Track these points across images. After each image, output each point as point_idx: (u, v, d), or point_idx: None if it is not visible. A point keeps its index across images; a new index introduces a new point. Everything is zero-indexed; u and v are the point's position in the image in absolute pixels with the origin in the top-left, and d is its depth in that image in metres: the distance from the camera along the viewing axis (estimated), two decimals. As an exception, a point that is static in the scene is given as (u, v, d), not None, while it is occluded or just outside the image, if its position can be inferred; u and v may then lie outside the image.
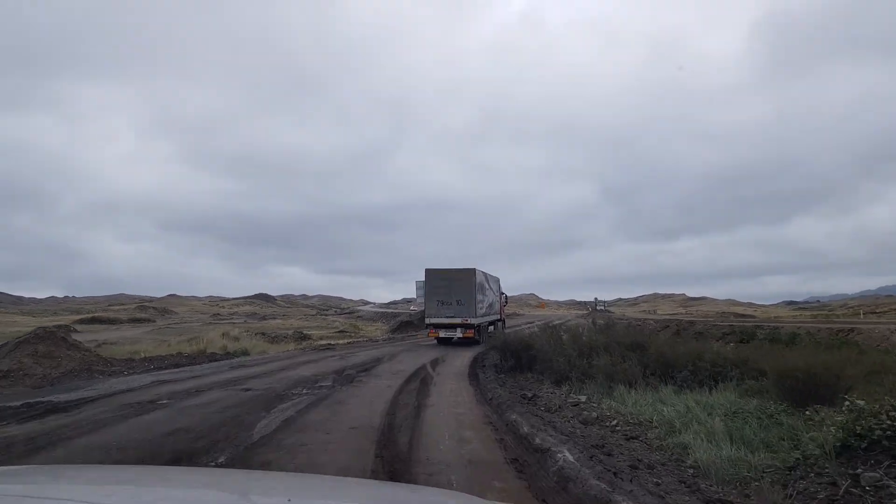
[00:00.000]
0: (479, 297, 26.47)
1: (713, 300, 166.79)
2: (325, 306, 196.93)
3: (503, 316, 35.99)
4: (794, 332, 26.66)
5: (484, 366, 16.67)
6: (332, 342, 35.33)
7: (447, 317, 25.21)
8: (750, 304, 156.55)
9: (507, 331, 34.89)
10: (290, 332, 46.16)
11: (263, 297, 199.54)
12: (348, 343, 31.05)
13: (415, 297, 62.11)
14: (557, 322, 45.73)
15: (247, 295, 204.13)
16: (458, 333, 25.05)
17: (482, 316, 27.02)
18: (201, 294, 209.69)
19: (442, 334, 25.39)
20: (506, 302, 37.11)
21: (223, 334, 38.55)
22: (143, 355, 22.55)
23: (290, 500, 1.83)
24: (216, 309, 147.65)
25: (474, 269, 26.08)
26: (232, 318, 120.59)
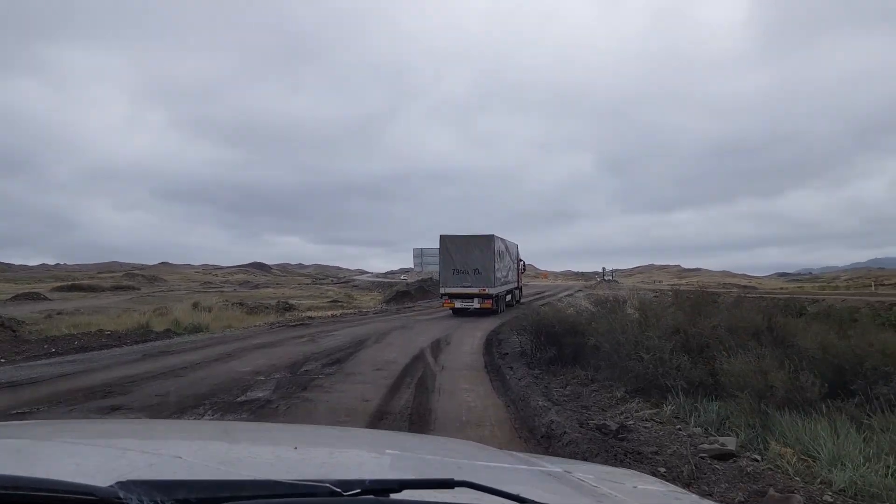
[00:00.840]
0: (498, 265, 24.20)
1: (708, 271, 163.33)
2: (322, 275, 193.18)
3: (521, 284, 33.16)
4: (852, 307, 22.29)
5: (505, 353, 12.19)
6: (316, 314, 30.78)
7: (463, 286, 23.10)
8: (744, 276, 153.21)
9: (522, 301, 31.70)
10: (274, 303, 41.65)
11: (258, 266, 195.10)
12: (332, 316, 26.39)
13: (412, 266, 58.00)
14: (565, 294, 41.43)
15: (242, 263, 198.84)
16: (475, 304, 23.06)
17: (501, 285, 24.73)
18: (196, 262, 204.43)
19: (458, 304, 23.41)
20: (524, 269, 33.65)
21: (195, 304, 34.07)
22: (95, 328, 19.02)
23: (296, 448, 1.83)
24: (209, 277, 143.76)
25: (493, 236, 23.82)
26: (222, 287, 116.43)
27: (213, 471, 1.50)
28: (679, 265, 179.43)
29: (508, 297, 27.51)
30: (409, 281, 62.37)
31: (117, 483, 1.00)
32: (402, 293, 53.59)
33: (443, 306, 24.32)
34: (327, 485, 1.08)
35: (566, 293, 41.98)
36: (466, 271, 23.20)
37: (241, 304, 36.95)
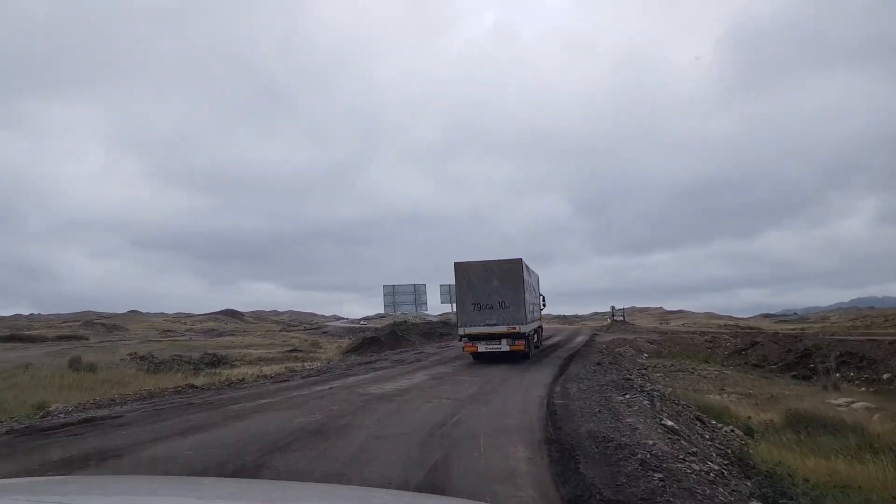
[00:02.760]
0: (528, 296, 19.61)
1: (691, 313, 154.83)
2: (297, 322, 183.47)
3: (542, 322, 26.80)
4: None
5: None
6: (251, 372, 21.07)
7: (488, 324, 18.51)
8: (729, 317, 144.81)
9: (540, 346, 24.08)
10: (199, 356, 31.23)
11: (230, 314, 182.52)
12: (269, 377, 16.45)
13: (382, 311, 48.32)
14: (584, 338, 31.79)
15: (214, 311, 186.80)
16: (504, 346, 18.48)
17: (531, 322, 20.10)
18: (171, 311, 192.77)
19: (482, 348, 18.72)
20: (544, 305, 26.29)
21: (72, 361, 23.96)
22: None
23: None
24: (175, 325, 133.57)
25: (521, 260, 19.29)
26: (184, 335, 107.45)
27: None
28: (661, 307, 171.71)
29: (535, 338, 22.19)
30: (377, 326, 52.38)
31: None
32: (371, 339, 43.19)
33: (464, 350, 19.28)
34: None
35: (582, 336, 32.35)
36: (491, 305, 18.40)
37: (142, 358, 26.35)
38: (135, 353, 28.91)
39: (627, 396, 10.15)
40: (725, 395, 15.66)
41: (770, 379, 19.66)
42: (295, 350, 55.39)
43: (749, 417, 11.31)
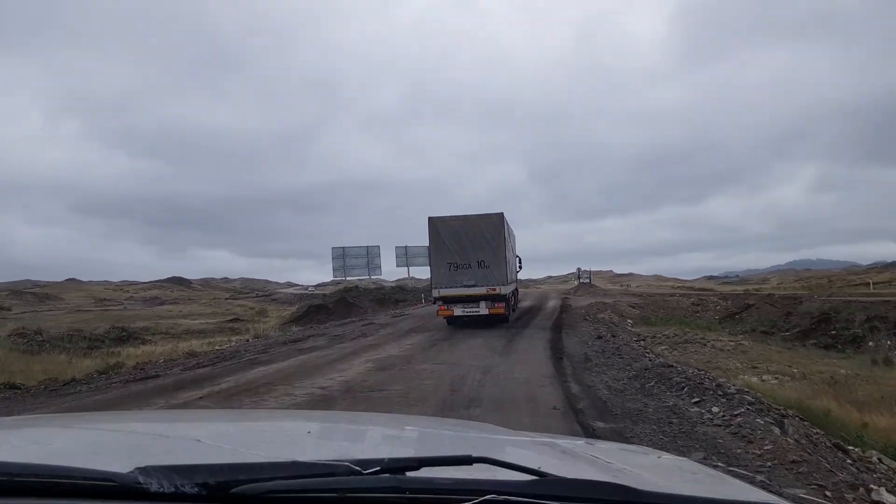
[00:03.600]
0: (509, 254, 17.42)
1: (640, 276, 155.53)
2: (248, 289, 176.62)
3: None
4: None
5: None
6: (177, 349, 16.74)
7: (465, 285, 16.17)
8: (676, 279, 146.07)
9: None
10: (104, 330, 25.67)
11: (177, 281, 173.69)
12: (190, 356, 11.28)
13: (332, 277, 43.11)
14: (556, 302, 27.75)
15: (160, 278, 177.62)
16: (483, 309, 16.29)
17: (511, 282, 18.20)
18: (116, 279, 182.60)
19: (458, 311, 16.44)
20: (520, 266, 22.88)
21: None
22: None
23: (309, 432, 1.83)
24: (117, 294, 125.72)
25: (502, 215, 16.99)
26: (122, 304, 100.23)
27: (231, 454, 1.47)
28: (612, 270, 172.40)
29: (513, 301, 19.98)
30: (325, 293, 47.27)
31: (137, 469, 0.98)
32: (316, 308, 38.14)
33: (438, 314, 17.28)
34: (346, 464, 1.05)
35: (554, 301, 28.25)
36: (469, 265, 16.50)
37: (23, 335, 20.62)
38: (23, 328, 23.06)
39: (714, 409, 5.71)
40: (764, 376, 11.61)
41: (794, 349, 16.08)
42: (236, 320, 49.87)
43: (866, 425, 7.13)
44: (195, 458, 1.26)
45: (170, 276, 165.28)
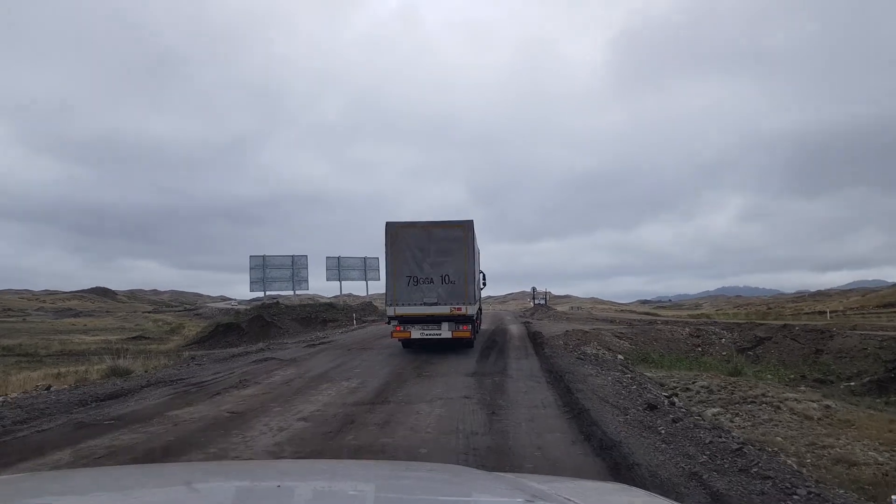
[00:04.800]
0: (476, 269, 14.88)
1: (578, 298, 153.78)
2: (177, 302, 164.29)
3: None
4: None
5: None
6: None
7: (426, 303, 13.51)
8: (611, 303, 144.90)
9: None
10: None
11: (101, 292, 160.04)
12: None
13: (259, 292, 35.29)
14: (515, 324, 21.86)
15: (83, 288, 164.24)
16: (446, 331, 13.65)
17: (478, 300, 15.51)
18: (38, 288, 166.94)
19: (416, 334, 13.73)
20: (484, 284, 19.06)
21: None
22: None
23: (279, 486, 1.76)
24: (33, 304, 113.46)
25: (471, 222, 14.16)
26: (30, 315, 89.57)
27: None
28: (549, 291, 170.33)
29: (479, 323, 16.82)
30: (240, 308, 39.72)
31: None
32: (226, 328, 30.71)
33: (392, 336, 14.00)
34: None
35: (514, 325, 22.28)
36: (430, 279, 13.51)
37: None
38: None
39: None
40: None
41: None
42: (142, 337, 41.71)
43: None
44: None
45: (94, 286, 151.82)
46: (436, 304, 13.48)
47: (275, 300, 34.12)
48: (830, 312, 47.37)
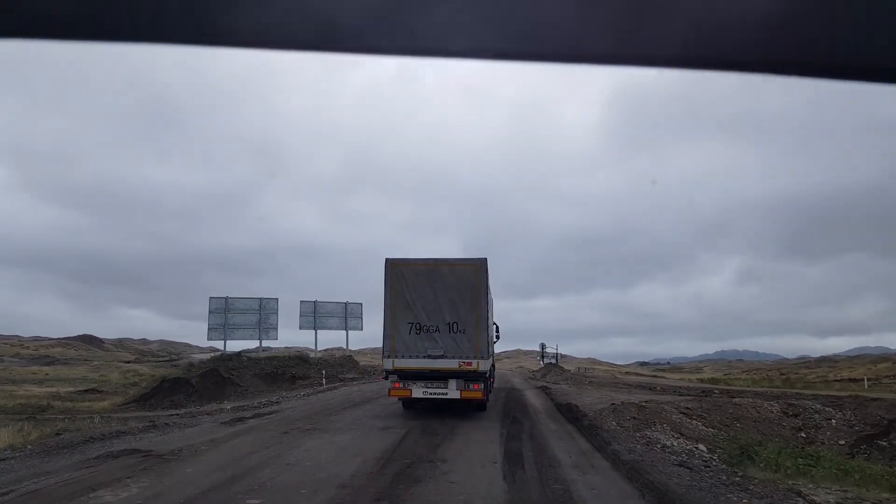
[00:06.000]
0: (490, 317, 12.66)
1: (574, 357, 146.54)
2: (164, 352, 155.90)
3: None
4: None
5: None
6: None
7: (431, 355, 11.18)
8: (609, 363, 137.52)
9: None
10: None
11: (87, 339, 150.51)
12: None
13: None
14: (531, 389, 16.19)
15: (70, 336, 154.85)
16: (454, 390, 11.26)
17: (491, 354, 12.88)
18: (29, 334, 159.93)
19: (419, 392, 11.45)
20: (497, 337, 15.31)
21: None
22: None
23: None
24: (11, 349, 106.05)
25: (485, 261, 12.00)
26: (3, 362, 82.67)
27: None
28: (560, 353, 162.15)
29: (491, 382, 14.12)
30: (196, 359, 33.61)
31: None
32: (173, 383, 24.65)
33: (391, 394, 11.77)
34: None
35: (530, 390, 16.56)
36: (436, 328, 11.30)
37: None
38: None
39: None
40: None
41: None
42: (94, 390, 35.50)
43: None
44: None
45: (81, 333, 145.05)
46: (442, 356, 11.22)
47: (237, 352, 28.21)
48: (868, 381, 41.39)
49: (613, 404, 13.01)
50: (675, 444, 9.50)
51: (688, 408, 13.39)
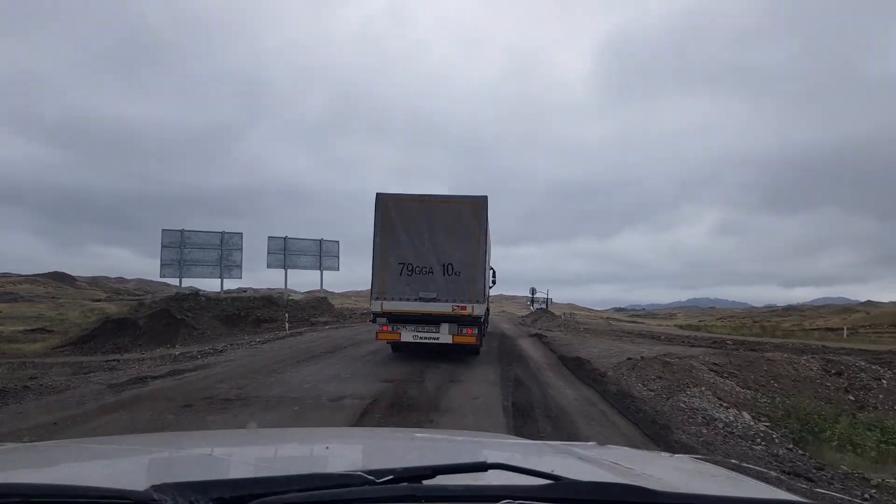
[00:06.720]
0: (487, 259, 11.44)
1: (557, 304, 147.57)
2: (142, 291, 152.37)
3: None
4: None
5: None
6: None
7: (423, 298, 10.48)
8: (588, 309, 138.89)
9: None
10: None
11: (58, 276, 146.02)
12: None
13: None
14: (527, 334, 13.86)
15: (40, 272, 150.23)
16: (446, 335, 10.62)
17: (486, 299, 11.61)
18: None
19: (408, 336, 10.78)
20: (494, 281, 14.59)
21: None
22: None
23: (328, 447, 1.75)
24: None
25: (485, 199, 10.92)
26: None
27: (247, 470, 1.40)
28: (526, 296, 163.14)
29: (485, 327, 13.08)
30: (147, 299, 30.64)
31: (152, 486, 0.93)
32: (117, 324, 21.75)
33: (378, 337, 10.94)
34: (360, 474, 0.99)
35: (524, 338, 14.11)
36: (429, 269, 10.58)
37: None
38: None
39: None
40: None
41: None
42: (42, 330, 32.61)
43: None
44: (211, 474, 1.20)
45: (53, 270, 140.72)
46: (435, 299, 10.56)
47: (194, 291, 25.23)
48: (847, 331, 40.25)
49: (630, 359, 10.57)
50: (721, 415, 7.10)
51: (716, 363, 11.02)
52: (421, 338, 10.75)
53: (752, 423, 7.57)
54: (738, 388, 9.98)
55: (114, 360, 13.81)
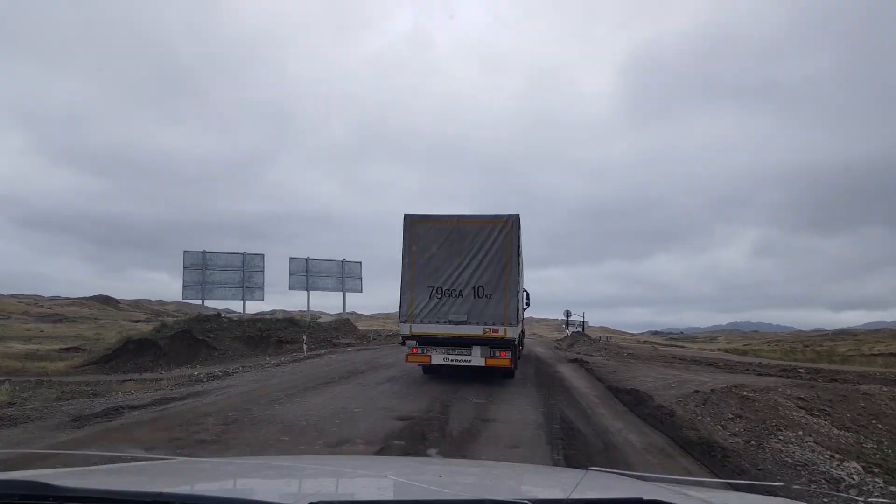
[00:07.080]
0: (520, 281, 10.81)
1: (590, 326, 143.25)
2: (181, 313, 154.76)
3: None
4: None
5: None
6: None
7: (452, 321, 10.01)
8: (621, 332, 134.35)
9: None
10: None
11: (103, 299, 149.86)
12: None
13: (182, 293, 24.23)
14: (563, 361, 12.36)
15: (86, 296, 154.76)
16: (478, 357, 10.11)
17: (520, 321, 11.38)
18: (49, 294, 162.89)
19: (439, 359, 10.31)
20: (528, 304, 14.48)
21: None
22: None
23: (440, 476, 1.70)
24: (23, 307, 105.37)
25: (517, 218, 10.51)
26: (5, 319, 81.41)
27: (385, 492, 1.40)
28: (557, 318, 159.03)
29: (520, 350, 12.74)
30: (169, 320, 30.02)
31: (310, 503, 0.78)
32: (138, 345, 20.95)
33: (408, 360, 10.48)
34: (527, 500, 0.91)
35: (563, 364, 12.53)
36: (459, 291, 10.12)
37: None
38: None
39: None
40: None
41: None
42: (77, 349, 32.48)
43: None
44: (362, 494, 1.22)
45: (98, 293, 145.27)
46: (465, 322, 9.95)
47: (216, 312, 24.41)
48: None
49: (697, 392, 8.86)
50: (843, 470, 5.44)
51: (800, 397, 9.18)
52: (452, 360, 10.26)
53: (860, 472, 5.89)
54: (835, 430, 8.14)
55: (128, 379, 12.87)
